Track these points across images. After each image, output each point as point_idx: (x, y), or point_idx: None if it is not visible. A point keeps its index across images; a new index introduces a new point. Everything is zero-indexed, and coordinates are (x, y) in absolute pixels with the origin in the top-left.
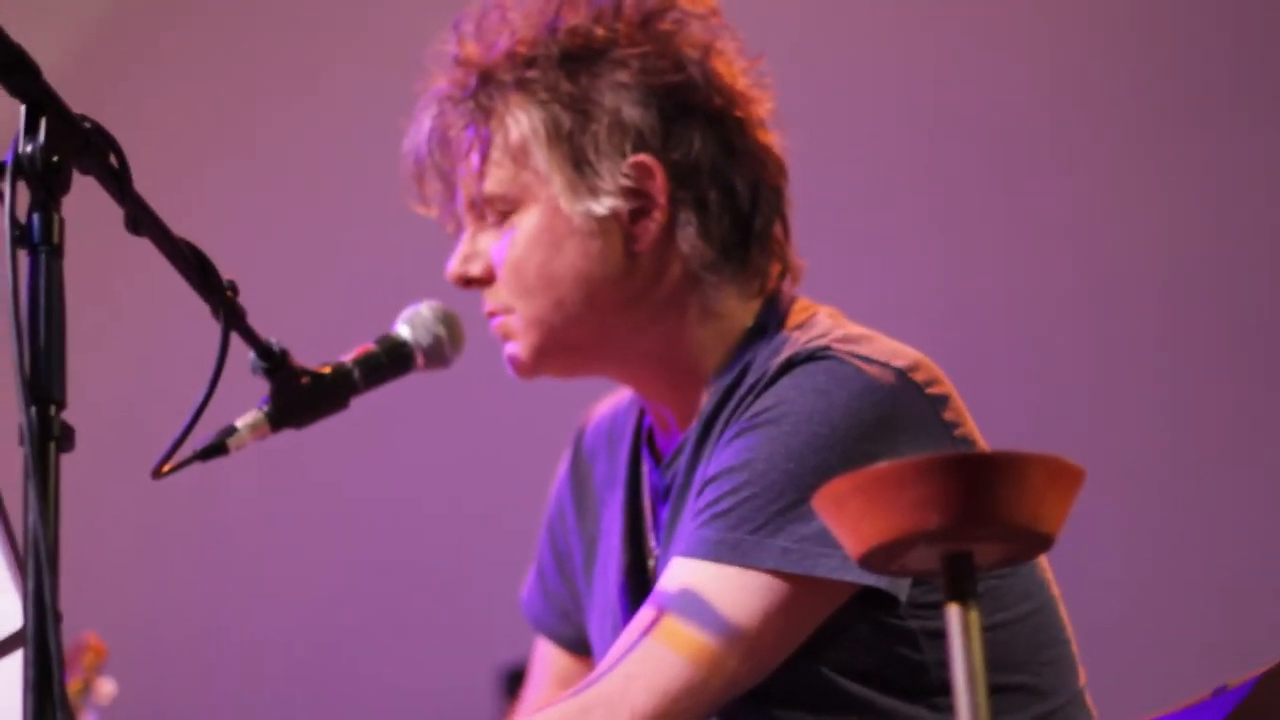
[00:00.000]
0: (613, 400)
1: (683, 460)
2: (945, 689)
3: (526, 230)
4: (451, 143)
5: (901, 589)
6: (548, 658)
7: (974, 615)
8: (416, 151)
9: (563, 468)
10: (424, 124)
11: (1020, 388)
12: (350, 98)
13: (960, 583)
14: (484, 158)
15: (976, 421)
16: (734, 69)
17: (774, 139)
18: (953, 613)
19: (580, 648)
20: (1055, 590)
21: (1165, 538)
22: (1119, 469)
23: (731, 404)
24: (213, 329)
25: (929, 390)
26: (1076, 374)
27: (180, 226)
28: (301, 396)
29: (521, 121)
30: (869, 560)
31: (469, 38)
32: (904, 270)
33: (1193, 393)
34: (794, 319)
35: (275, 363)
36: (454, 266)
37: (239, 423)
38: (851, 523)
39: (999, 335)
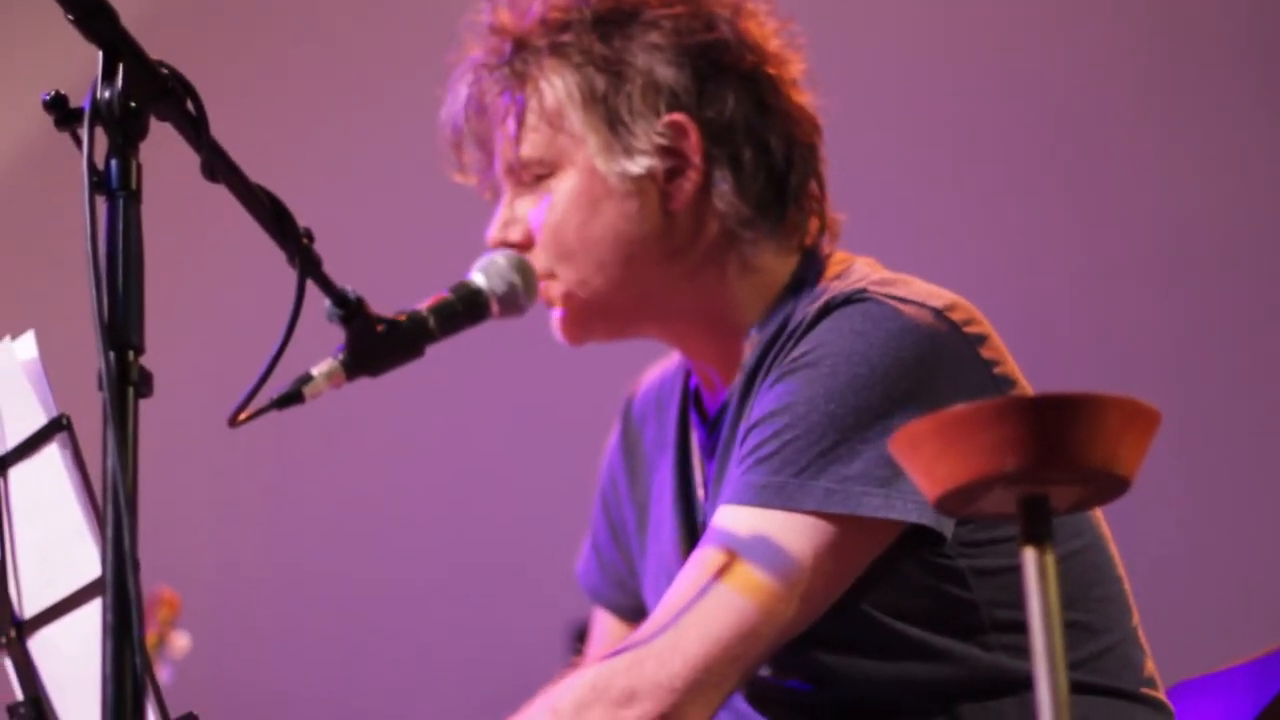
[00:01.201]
0: (660, 367)
1: (728, 415)
2: (997, 627)
3: (564, 193)
4: (488, 110)
5: (946, 526)
6: (605, 628)
7: (1050, 558)
8: (454, 120)
9: (613, 437)
10: (460, 93)
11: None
12: (441, 42)
13: (1036, 525)
14: (520, 123)
15: None
16: (765, 29)
17: (807, 98)
18: (1029, 555)
19: (637, 616)
20: (1105, 529)
21: (1229, 488)
22: (1180, 420)
23: (772, 354)
24: (289, 276)
25: (967, 329)
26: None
27: (256, 174)
28: (377, 344)
29: (556, 85)
30: (945, 503)
31: (503, 6)
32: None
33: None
34: (832, 270)
35: (351, 310)
36: (493, 232)
37: (315, 371)
38: (927, 465)
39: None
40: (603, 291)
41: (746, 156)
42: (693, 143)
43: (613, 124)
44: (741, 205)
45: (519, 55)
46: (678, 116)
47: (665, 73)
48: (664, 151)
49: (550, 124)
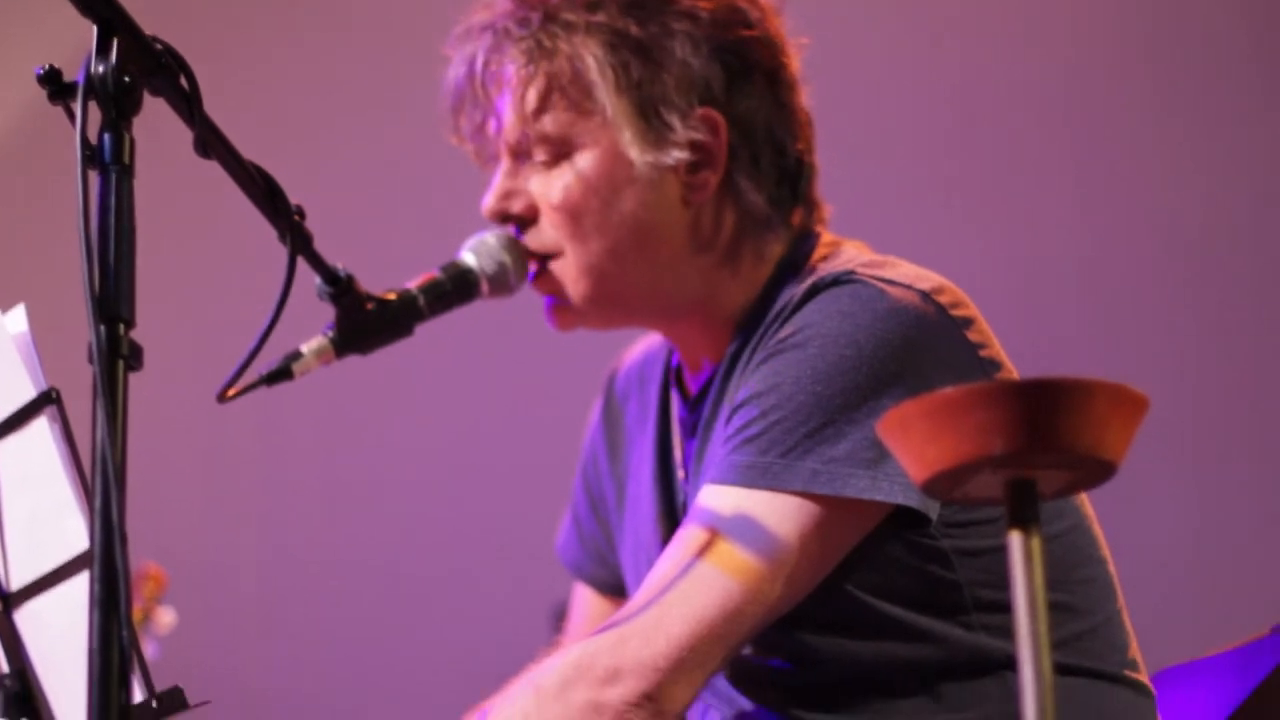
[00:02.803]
0: (644, 344)
1: (710, 394)
2: (979, 607)
3: (585, 173)
4: (507, 77)
5: (931, 508)
6: (585, 602)
7: (1036, 542)
8: (459, 82)
9: (595, 413)
10: (475, 55)
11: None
12: (431, 21)
13: (1023, 510)
14: (543, 96)
15: None
16: (783, 28)
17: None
18: (1015, 540)
19: (617, 591)
20: (1089, 510)
21: (1218, 480)
22: (1171, 413)
23: (758, 335)
24: (280, 253)
25: (954, 312)
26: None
27: (249, 150)
28: (366, 322)
29: (589, 64)
30: (932, 486)
31: None
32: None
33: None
34: (820, 253)
35: (341, 288)
36: (491, 202)
37: (304, 348)
38: (916, 448)
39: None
40: (612, 277)
41: (765, 156)
42: (720, 138)
43: (645, 111)
44: (761, 203)
45: (546, 27)
46: (709, 110)
47: (700, 64)
48: (693, 144)
49: (575, 102)
